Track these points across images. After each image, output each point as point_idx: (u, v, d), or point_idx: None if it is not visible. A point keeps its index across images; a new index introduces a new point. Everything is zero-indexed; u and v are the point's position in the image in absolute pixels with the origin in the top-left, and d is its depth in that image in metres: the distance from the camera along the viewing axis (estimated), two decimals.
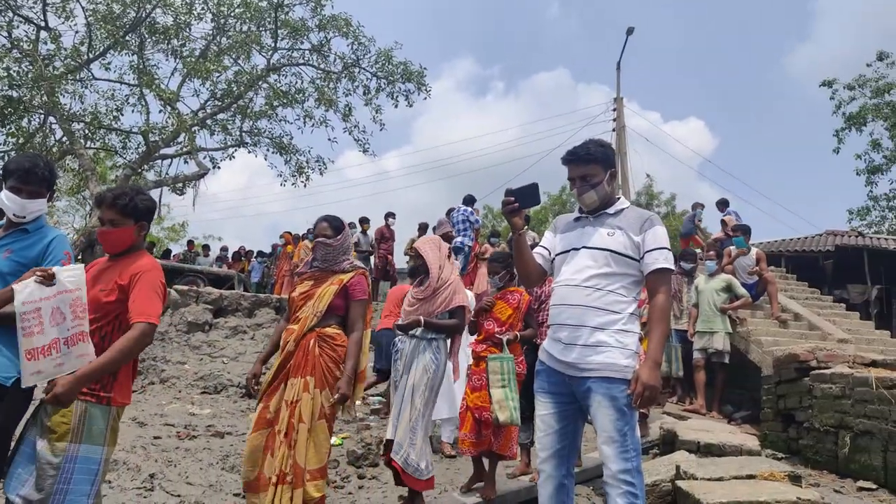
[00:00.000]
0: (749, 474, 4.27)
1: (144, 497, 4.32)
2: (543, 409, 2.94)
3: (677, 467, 4.48)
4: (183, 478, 4.73)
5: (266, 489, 3.39)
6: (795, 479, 4.29)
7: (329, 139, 18.22)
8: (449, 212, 12.04)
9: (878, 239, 15.04)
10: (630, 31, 20.88)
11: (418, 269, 4.42)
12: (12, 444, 2.80)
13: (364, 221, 13.37)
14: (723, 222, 11.34)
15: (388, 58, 16.15)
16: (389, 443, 4.03)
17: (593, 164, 2.93)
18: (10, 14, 13.72)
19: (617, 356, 2.75)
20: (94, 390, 2.77)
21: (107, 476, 4.36)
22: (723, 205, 12.25)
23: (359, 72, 16.43)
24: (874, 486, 5.00)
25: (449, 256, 4.40)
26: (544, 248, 3.13)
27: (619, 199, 3.04)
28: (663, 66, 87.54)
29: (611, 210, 2.96)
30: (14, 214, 2.96)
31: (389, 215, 13.32)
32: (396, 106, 16.58)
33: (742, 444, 5.32)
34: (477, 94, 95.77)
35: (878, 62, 21.72)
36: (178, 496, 4.38)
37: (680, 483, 4.25)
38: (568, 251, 2.98)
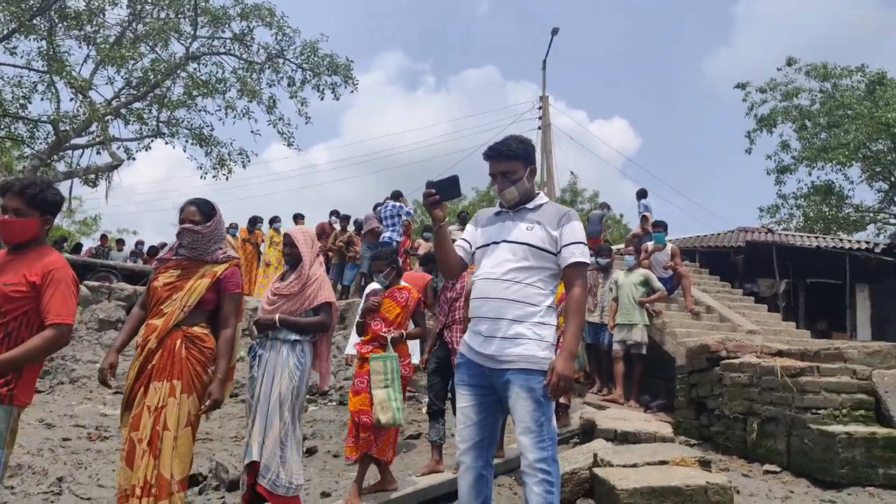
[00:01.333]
0: (662, 460, 4.43)
1: (51, 501, 4.14)
2: (463, 401, 2.96)
3: (594, 455, 4.61)
4: (94, 480, 4.55)
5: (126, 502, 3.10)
6: (705, 465, 4.47)
7: (252, 131, 17.70)
8: (376, 207, 11.98)
9: (787, 235, 15.94)
10: (555, 32, 21.31)
11: (288, 259, 4.05)
12: None
13: (299, 217, 13.18)
14: (643, 218, 11.69)
15: (314, 50, 15.91)
16: (252, 465, 3.63)
17: (514, 161, 2.97)
18: None
19: (534, 348, 2.79)
20: None
21: (8, 482, 4.15)
22: (641, 196, 12.61)
23: (283, 63, 16.15)
24: (778, 469, 5.28)
25: (318, 254, 4.13)
26: (465, 241, 3.15)
27: (538, 194, 3.09)
28: (590, 66, 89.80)
29: (530, 205, 3.01)
30: None
31: (334, 213, 13.25)
32: (322, 99, 16.40)
33: (656, 432, 5.51)
34: (407, 88, 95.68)
35: (787, 67, 23.00)
36: (89, 499, 4.21)
37: (597, 470, 4.37)
38: (488, 245, 3.01)
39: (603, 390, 8.46)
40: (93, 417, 6.20)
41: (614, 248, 11.22)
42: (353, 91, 16.64)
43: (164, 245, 15.40)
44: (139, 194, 66.41)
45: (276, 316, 3.76)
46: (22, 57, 14.46)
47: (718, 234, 16.07)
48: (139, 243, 16.70)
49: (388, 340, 4.41)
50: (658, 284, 8.47)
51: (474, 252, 3.10)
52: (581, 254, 2.89)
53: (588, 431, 5.86)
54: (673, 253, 9.38)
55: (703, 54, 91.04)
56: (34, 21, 13.57)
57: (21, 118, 14.65)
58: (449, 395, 5.05)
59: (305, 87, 16.26)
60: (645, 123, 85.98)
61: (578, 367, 7.80)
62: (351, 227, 12.83)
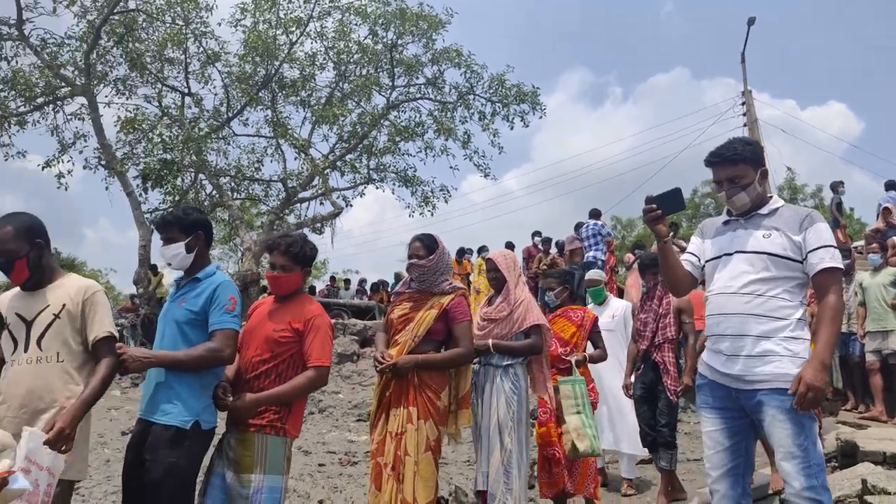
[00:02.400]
0: None
1: None
2: (710, 425, 2.80)
3: (863, 481, 4.10)
4: (349, 503, 4.91)
5: None
6: None
7: (451, 167, 18.50)
8: (577, 227, 11.89)
9: None
10: (751, 22, 19.73)
11: (494, 283, 4.06)
12: (199, 478, 3.03)
13: (510, 247, 13.56)
14: (885, 210, 10.23)
15: (501, 82, 16.37)
16: (481, 494, 3.69)
17: (741, 165, 2.79)
18: (160, 85, 15.30)
19: (787, 365, 2.57)
20: (273, 422, 3.00)
21: None
22: (892, 187, 10.97)
23: (473, 99, 16.75)
24: None
25: (521, 275, 4.10)
26: (692, 254, 3.01)
27: (771, 197, 2.87)
28: (793, 51, 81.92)
29: (764, 210, 2.81)
30: (167, 264, 3.23)
31: (536, 234, 13.43)
32: (512, 128, 16.71)
33: None
34: (594, 103, 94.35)
35: None
36: None
37: (870, 499, 3.89)
38: (720, 257, 2.85)
39: (859, 407, 7.51)
40: (341, 444, 6.75)
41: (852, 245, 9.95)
42: (541, 116, 16.82)
43: (382, 282, 16.56)
44: (356, 237, 72.35)
45: (490, 342, 3.80)
46: (252, 126, 16.66)
47: None
48: (362, 281, 18.13)
49: (573, 363, 4.23)
50: None
51: (703, 266, 2.95)
52: (832, 258, 2.62)
53: (848, 454, 5.24)
54: None
55: None
56: (260, 94, 15.47)
57: (256, 180, 16.75)
58: (660, 421, 4.71)
59: (496, 118, 16.74)
60: (867, 104, 76.19)
61: (833, 382, 7.00)
62: (553, 250, 12.83)
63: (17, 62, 13.94)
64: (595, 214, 11.79)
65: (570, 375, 4.19)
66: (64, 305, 2.70)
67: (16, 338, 2.73)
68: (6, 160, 14.23)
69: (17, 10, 13.28)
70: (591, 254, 11.09)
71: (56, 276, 2.83)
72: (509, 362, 3.81)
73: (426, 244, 3.67)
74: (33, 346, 2.70)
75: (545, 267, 12.15)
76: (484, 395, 3.81)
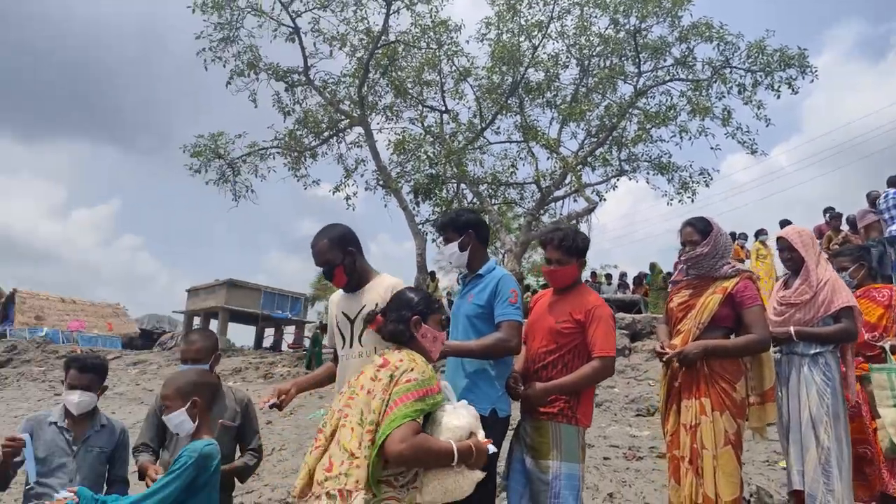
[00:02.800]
0: None
1: None
2: None
3: None
4: (640, 498, 4.88)
5: None
6: None
7: (711, 148, 17.33)
8: (871, 199, 10.41)
9: None
10: None
11: (789, 264, 3.72)
12: (501, 462, 3.26)
13: (786, 224, 12.46)
14: None
15: (761, 49, 14.93)
16: (795, 494, 3.38)
17: None
18: (421, 107, 16.72)
19: None
20: (563, 411, 3.11)
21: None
22: None
23: (730, 72, 15.52)
24: None
25: (821, 253, 3.66)
26: None
27: None
28: None
29: None
30: (448, 263, 3.49)
31: (827, 210, 12.15)
32: (779, 97, 15.14)
33: None
34: (874, 57, 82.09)
35: None
36: None
37: None
38: None
39: None
40: (623, 438, 6.73)
41: None
42: (812, 80, 15.03)
43: (644, 275, 16.14)
44: (609, 230, 71.56)
45: (791, 328, 3.51)
46: (503, 134, 17.42)
47: None
48: (622, 275, 17.86)
49: (887, 350, 3.69)
50: None
51: None
52: None
53: None
54: None
55: None
56: (509, 101, 16.06)
57: (511, 184, 17.43)
58: None
59: (758, 89, 15.35)
60: None
61: None
62: (845, 226, 11.41)
63: (305, 104, 16.43)
64: (894, 182, 10.22)
65: (883, 364, 3.72)
66: (376, 305, 2.94)
67: (344, 335, 3.13)
68: (305, 189, 16.72)
69: (303, 59, 15.59)
70: (894, 228, 9.64)
71: (371, 276, 3.15)
72: (818, 350, 3.49)
73: (699, 228, 3.52)
74: (356, 342, 3.06)
75: (836, 245, 10.85)
76: (790, 387, 3.54)
